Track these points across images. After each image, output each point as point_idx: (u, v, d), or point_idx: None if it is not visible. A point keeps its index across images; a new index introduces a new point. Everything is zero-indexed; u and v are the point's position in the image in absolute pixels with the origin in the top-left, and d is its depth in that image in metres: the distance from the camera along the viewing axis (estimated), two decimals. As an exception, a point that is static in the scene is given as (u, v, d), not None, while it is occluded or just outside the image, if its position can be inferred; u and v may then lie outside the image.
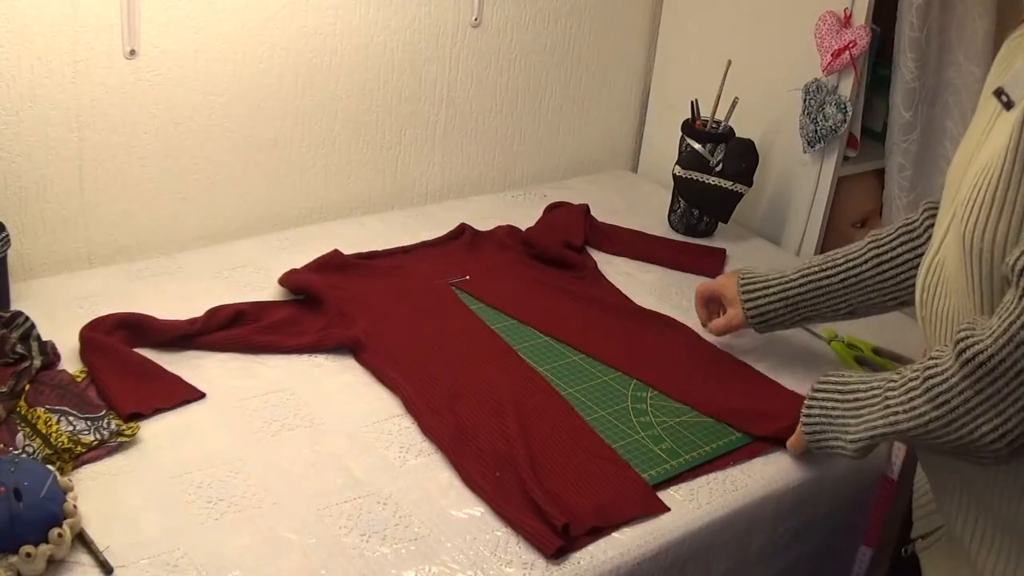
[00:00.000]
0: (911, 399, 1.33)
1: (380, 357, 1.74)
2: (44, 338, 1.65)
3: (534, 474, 1.48)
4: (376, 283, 1.96)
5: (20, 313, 1.65)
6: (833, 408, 1.50)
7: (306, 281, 1.90)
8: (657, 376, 1.79)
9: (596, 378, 1.77)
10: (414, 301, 1.92)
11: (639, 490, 1.50)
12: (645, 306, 2.00)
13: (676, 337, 1.92)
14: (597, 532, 1.42)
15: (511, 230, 2.22)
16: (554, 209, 2.33)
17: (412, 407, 1.64)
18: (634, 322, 1.95)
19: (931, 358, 1.32)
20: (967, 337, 1.24)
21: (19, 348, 1.59)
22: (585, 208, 2.31)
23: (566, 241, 2.17)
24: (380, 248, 2.08)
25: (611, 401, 1.72)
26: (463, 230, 2.19)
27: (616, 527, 1.44)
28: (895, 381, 1.38)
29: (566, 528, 1.38)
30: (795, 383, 1.79)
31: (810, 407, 1.54)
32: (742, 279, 1.83)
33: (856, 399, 1.46)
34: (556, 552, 1.36)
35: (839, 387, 1.50)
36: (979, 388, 1.23)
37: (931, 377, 1.30)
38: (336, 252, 2.01)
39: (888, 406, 1.37)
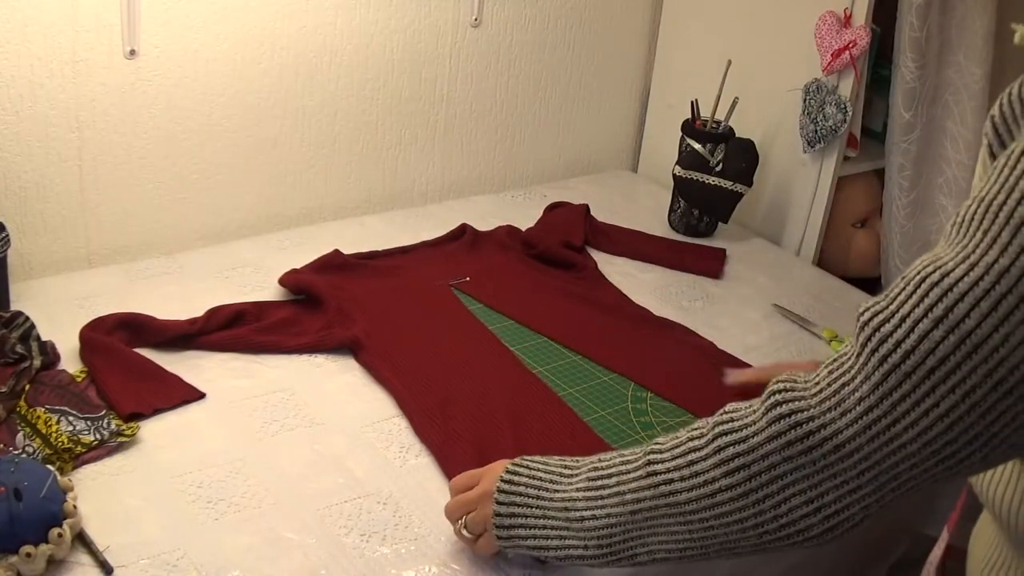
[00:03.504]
0: (691, 462, 1.13)
1: (378, 358, 1.74)
2: (44, 338, 1.65)
3: None
4: (376, 283, 1.96)
5: (20, 313, 1.65)
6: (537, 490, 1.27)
7: (306, 281, 1.91)
8: (656, 379, 1.79)
9: (596, 378, 1.77)
10: (413, 302, 1.92)
11: None
12: (645, 306, 2.00)
13: (676, 339, 1.92)
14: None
15: (511, 230, 2.22)
16: (554, 209, 2.33)
17: (405, 409, 1.64)
18: (634, 323, 1.95)
19: (724, 411, 1.13)
20: (784, 390, 1.07)
21: (19, 348, 1.59)
22: (585, 208, 2.31)
23: (566, 241, 2.17)
24: (380, 248, 2.08)
25: (611, 401, 1.72)
26: (464, 230, 2.19)
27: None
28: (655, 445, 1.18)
29: None
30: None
31: (502, 491, 1.29)
32: None
33: (572, 474, 1.25)
34: None
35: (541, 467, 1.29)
36: (789, 455, 1.05)
37: (724, 435, 1.11)
38: (336, 252, 2.01)
39: (653, 472, 1.16)
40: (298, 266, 1.96)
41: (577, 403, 1.70)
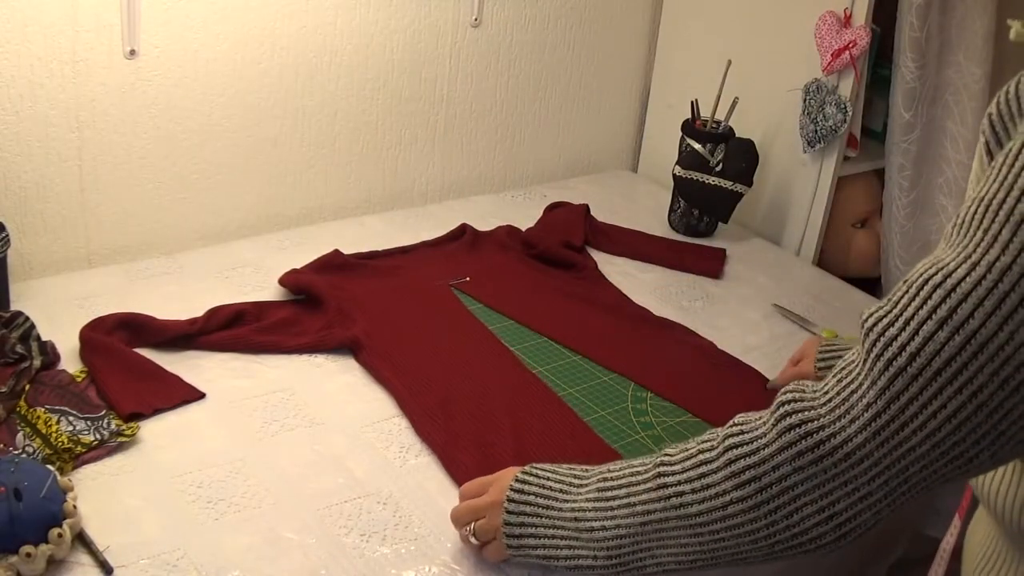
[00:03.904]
0: (702, 474, 1.13)
1: (378, 358, 1.74)
2: (44, 338, 1.65)
3: None
4: (376, 283, 1.96)
5: (20, 313, 1.65)
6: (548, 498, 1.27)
7: (306, 281, 1.91)
8: (656, 379, 1.79)
9: (596, 378, 1.78)
10: (413, 302, 1.93)
11: None
12: (645, 306, 2.00)
13: (676, 339, 1.92)
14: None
15: (511, 230, 2.22)
16: (554, 209, 2.33)
17: (406, 409, 1.64)
18: (634, 323, 1.95)
19: (734, 423, 1.14)
20: (793, 400, 1.07)
21: (19, 348, 1.59)
22: (585, 208, 2.31)
23: (566, 241, 2.17)
24: (380, 248, 2.08)
25: (611, 401, 1.72)
26: (464, 230, 2.19)
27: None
28: (666, 455, 1.18)
29: None
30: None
31: (512, 501, 1.29)
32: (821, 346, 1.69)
33: (582, 483, 1.26)
34: None
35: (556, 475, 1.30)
36: (799, 465, 1.05)
37: (735, 447, 1.11)
38: (336, 252, 2.02)
39: (663, 484, 1.17)
40: (298, 266, 1.96)
41: (577, 403, 1.70)
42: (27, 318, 1.65)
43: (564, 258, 2.13)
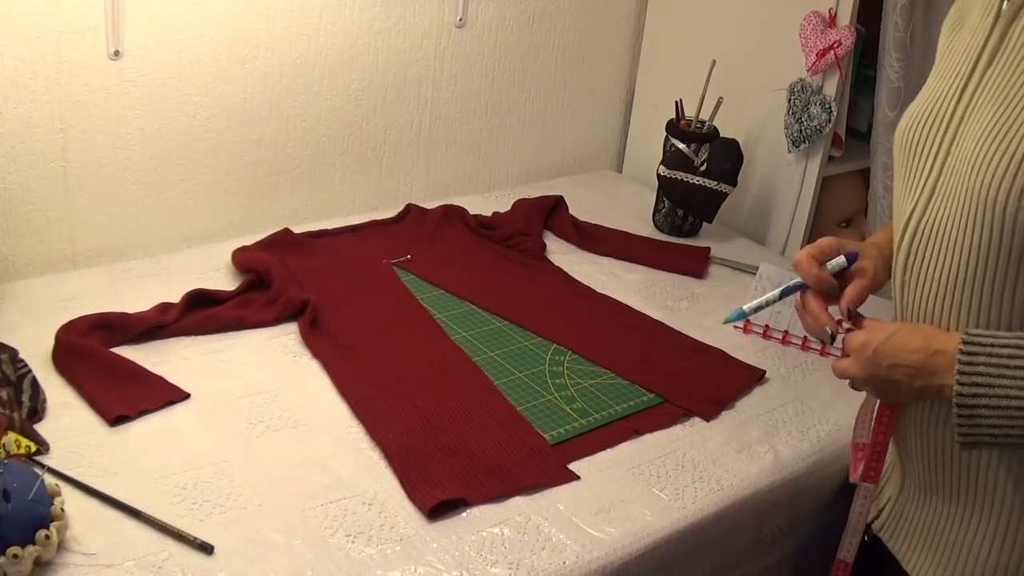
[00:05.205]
0: None
1: (314, 332, 1.80)
2: (27, 340, 1.63)
3: (423, 438, 1.56)
4: (320, 261, 2.03)
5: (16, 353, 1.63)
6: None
7: (256, 259, 1.96)
8: (578, 343, 1.86)
9: (517, 343, 1.85)
10: (352, 278, 2.00)
11: (544, 456, 1.56)
12: (632, 306, 2.01)
13: (611, 310, 1.99)
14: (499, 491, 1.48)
15: (454, 209, 2.28)
16: (524, 202, 2.38)
17: (337, 381, 1.69)
18: (569, 296, 2.03)
19: None
20: None
21: (5, 369, 1.56)
22: (557, 199, 2.36)
23: (523, 227, 2.24)
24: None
25: (529, 364, 1.79)
26: (409, 210, 2.26)
27: (517, 490, 1.49)
28: None
29: (439, 506, 1.43)
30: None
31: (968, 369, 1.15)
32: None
33: None
34: (431, 510, 1.41)
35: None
36: None
37: None
38: (286, 230, 2.09)
39: None
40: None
41: (495, 365, 1.77)
42: (24, 363, 1.61)
43: (513, 241, 2.20)
